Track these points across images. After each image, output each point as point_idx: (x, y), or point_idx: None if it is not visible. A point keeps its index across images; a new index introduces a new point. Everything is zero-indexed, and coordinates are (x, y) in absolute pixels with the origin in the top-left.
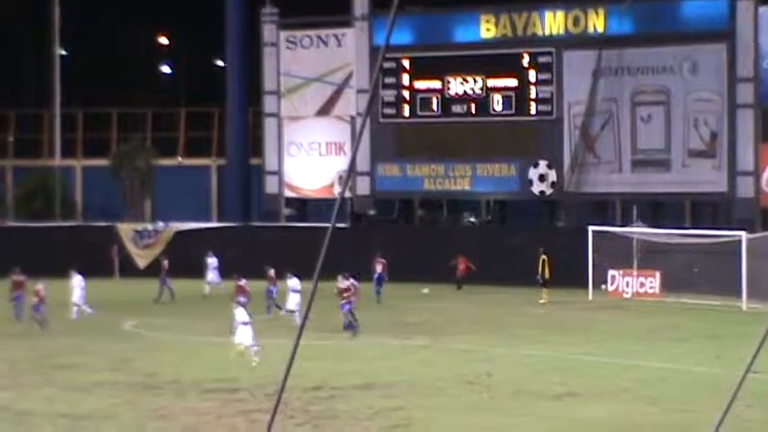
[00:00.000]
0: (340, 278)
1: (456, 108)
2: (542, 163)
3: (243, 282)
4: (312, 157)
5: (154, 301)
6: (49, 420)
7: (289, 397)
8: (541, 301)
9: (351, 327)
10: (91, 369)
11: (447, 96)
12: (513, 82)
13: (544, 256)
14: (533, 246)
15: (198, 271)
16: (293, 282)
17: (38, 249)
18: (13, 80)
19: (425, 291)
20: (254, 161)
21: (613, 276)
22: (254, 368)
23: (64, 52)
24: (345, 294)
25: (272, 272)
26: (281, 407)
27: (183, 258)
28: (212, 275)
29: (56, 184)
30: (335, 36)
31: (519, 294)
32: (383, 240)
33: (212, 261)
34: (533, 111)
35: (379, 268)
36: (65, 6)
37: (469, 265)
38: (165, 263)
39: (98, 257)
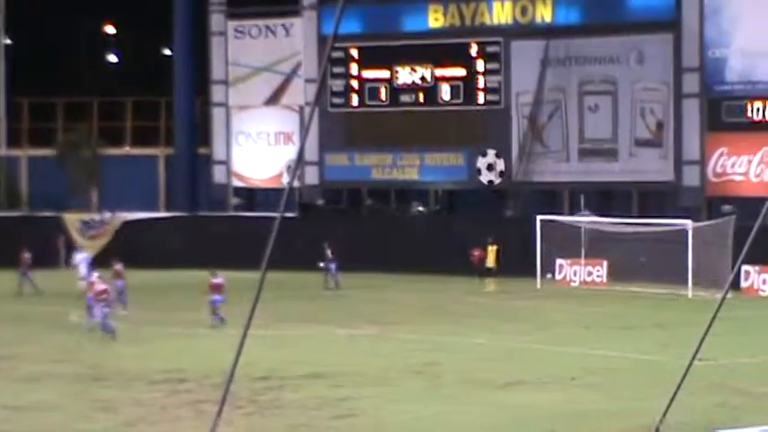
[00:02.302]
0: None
1: (404, 97)
2: (490, 152)
3: (219, 279)
4: (260, 146)
5: (15, 296)
6: None
7: (236, 387)
8: (487, 290)
9: (218, 318)
10: (35, 360)
11: (395, 86)
12: (461, 71)
13: (493, 246)
14: (481, 235)
15: (144, 260)
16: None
17: None
18: None
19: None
20: (201, 151)
21: (561, 265)
22: (202, 358)
23: (9, 41)
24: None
25: (329, 250)
26: (229, 396)
27: (130, 248)
28: (83, 269)
29: (1, 174)
30: (284, 25)
31: (467, 283)
32: (331, 230)
33: (82, 256)
34: (481, 100)
35: (330, 254)
36: None
37: (481, 254)
38: (27, 256)
39: (44, 247)
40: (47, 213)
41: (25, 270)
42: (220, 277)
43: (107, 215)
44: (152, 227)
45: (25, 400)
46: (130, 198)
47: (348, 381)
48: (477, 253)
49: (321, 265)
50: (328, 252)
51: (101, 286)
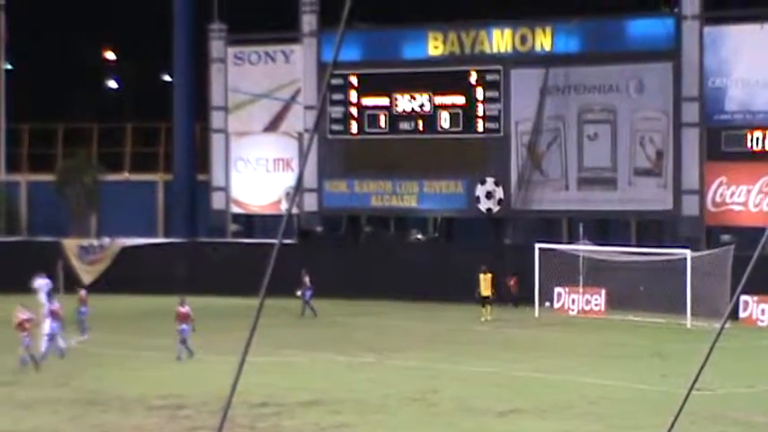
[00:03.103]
0: (179, 305)
1: (403, 125)
2: (489, 180)
3: (186, 308)
4: (259, 173)
5: None
6: None
7: (235, 413)
8: (482, 319)
9: (186, 349)
10: (34, 386)
11: (394, 113)
12: (460, 99)
13: (487, 274)
14: (480, 263)
15: (144, 286)
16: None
17: None
18: None
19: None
20: (201, 177)
21: (559, 294)
22: (200, 385)
23: (9, 66)
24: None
25: (306, 278)
26: (227, 423)
27: (128, 274)
28: (42, 296)
29: (0, 199)
30: (283, 52)
31: (465, 312)
32: (330, 257)
33: (42, 283)
34: (480, 128)
35: (308, 282)
36: (11, 20)
37: (515, 282)
38: None
39: (43, 273)
40: (46, 239)
41: None
42: (187, 306)
43: (106, 241)
44: (151, 253)
45: (25, 426)
46: (129, 224)
47: (346, 408)
48: (512, 282)
49: (298, 293)
50: (306, 279)
51: (24, 315)
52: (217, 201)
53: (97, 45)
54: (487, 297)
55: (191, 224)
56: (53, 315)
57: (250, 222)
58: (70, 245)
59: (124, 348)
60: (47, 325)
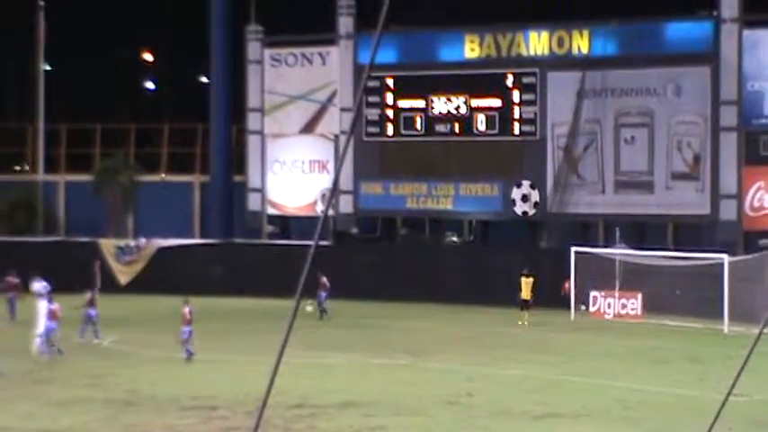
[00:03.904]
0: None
1: (439, 127)
2: (525, 183)
3: (187, 309)
4: (295, 174)
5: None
6: None
7: (269, 414)
8: (520, 323)
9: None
10: (69, 385)
11: (431, 115)
12: (496, 102)
13: (529, 278)
14: (515, 266)
15: (179, 287)
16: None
17: (20, 264)
18: None
19: (309, 308)
20: (237, 178)
21: (595, 297)
22: (235, 385)
23: (48, 67)
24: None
25: (324, 279)
26: (262, 424)
27: (164, 275)
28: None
29: (39, 199)
30: (320, 54)
31: (501, 314)
32: (365, 259)
33: (40, 286)
34: (517, 131)
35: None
36: (50, 21)
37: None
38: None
39: (80, 273)
40: (83, 239)
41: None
42: (189, 306)
43: (142, 241)
44: (187, 254)
45: (58, 425)
46: (166, 225)
47: (381, 410)
48: (567, 285)
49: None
50: (324, 280)
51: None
52: (253, 202)
53: (135, 46)
54: (527, 301)
55: (227, 225)
56: (52, 315)
57: (286, 224)
58: (107, 245)
59: (159, 349)
60: (41, 324)
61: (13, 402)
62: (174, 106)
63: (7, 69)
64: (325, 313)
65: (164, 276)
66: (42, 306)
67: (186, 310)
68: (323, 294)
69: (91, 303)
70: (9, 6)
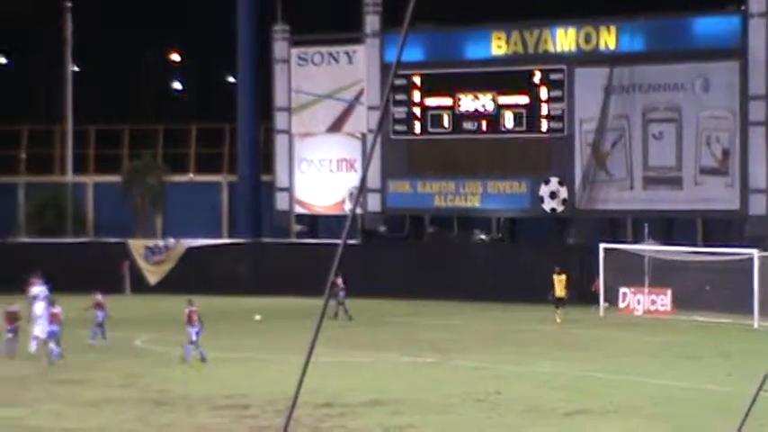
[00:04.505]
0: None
1: (467, 125)
2: (553, 180)
3: (194, 308)
4: (323, 173)
5: None
6: None
7: (299, 413)
8: (558, 320)
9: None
10: (100, 385)
11: (458, 113)
12: (524, 99)
13: (561, 275)
14: (544, 263)
15: (208, 286)
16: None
17: (49, 265)
18: (26, 96)
19: (257, 318)
20: (264, 177)
21: (624, 294)
22: (265, 384)
23: (76, 68)
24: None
25: (339, 280)
26: (292, 423)
27: (193, 275)
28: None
29: (67, 200)
30: (346, 53)
31: (529, 312)
32: (394, 257)
33: (39, 290)
34: (544, 128)
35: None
36: (77, 23)
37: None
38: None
39: (109, 273)
40: (112, 239)
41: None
42: (192, 307)
43: (171, 241)
44: (215, 253)
45: (91, 425)
46: (194, 224)
47: (410, 408)
48: (597, 282)
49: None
50: (339, 281)
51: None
52: (281, 201)
53: (162, 47)
54: (561, 299)
55: (255, 225)
56: (54, 319)
57: (314, 223)
58: (136, 245)
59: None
60: (39, 328)
61: (44, 402)
62: (201, 106)
63: (36, 71)
64: (346, 313)
65: (192, 276)
66: (39, 308)
67: (188, 311)
68: (341, 294)
69: (98, 305)
70: (37, 8)
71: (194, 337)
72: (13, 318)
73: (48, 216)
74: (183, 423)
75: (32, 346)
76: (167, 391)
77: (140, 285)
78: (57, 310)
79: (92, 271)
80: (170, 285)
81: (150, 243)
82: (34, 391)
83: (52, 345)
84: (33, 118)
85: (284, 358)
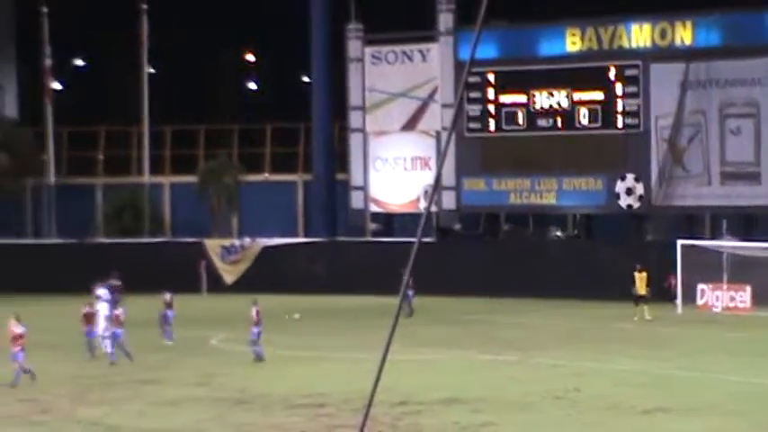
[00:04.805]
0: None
1: (542, 122)
2: (629, 176)
3: (255, 309)
4: (397, 171)
5: None
6: None
7: (375, 412)
8: (636, 318)
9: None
10: (179, 384)
11: (532, 110)
12: (599, 95)
13: (642, 272)
14: (621, 260)
15: (284, 285)
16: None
17: (126, 265)
18: (103, 98)
19: (296, 316)
20: (339, 176)
21: (702, 290)
22: (342, 383)
23: (152, 70)
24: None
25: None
26: (368, 422)
27: (269, 274)
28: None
29: (144, 201)
30: (420, 51)
31: (607, 309)
32: (469, 255)
33: (102, 293)
34: (620, 124)
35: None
36: (153, 24)
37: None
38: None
39: (186, 273)
40: (188, 239)
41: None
42: (257, 307)
43: (247, 241)
44: (291, 252)
45: (170, 424)
46: (270, 224)
47: (488, 406)
48: (672, 280)
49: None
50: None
51: (18, 330)
52: (355, 200)
53: (237, 47)
54: (643, 296)
55: (330, 224)
56: (116, 321)
57: (389, 221)
58: (212, 245)
59: (267, 347)
60: (103, 327)
61: (125, 402)
62: (276, 106)
63: (113, 73)
64: (411, 311)
65: (268, 275)
66: (102, 308)
67: (254, 310)
68: (410, 293)
69: (169, 305)
70: (113, 10)
71: (254, 337)
72: (91, 319)
73: (125, 217)
74: (260, 422)
75: (107, 347)
76: (244, 390)
77: (216, 285)
78: (119, 311)
79: (168, 271)
80: (246, 285)
81: (226, 242)
82: (117, 391)
83: (106, 345)
84: (110, 120)
85: (360, 357)
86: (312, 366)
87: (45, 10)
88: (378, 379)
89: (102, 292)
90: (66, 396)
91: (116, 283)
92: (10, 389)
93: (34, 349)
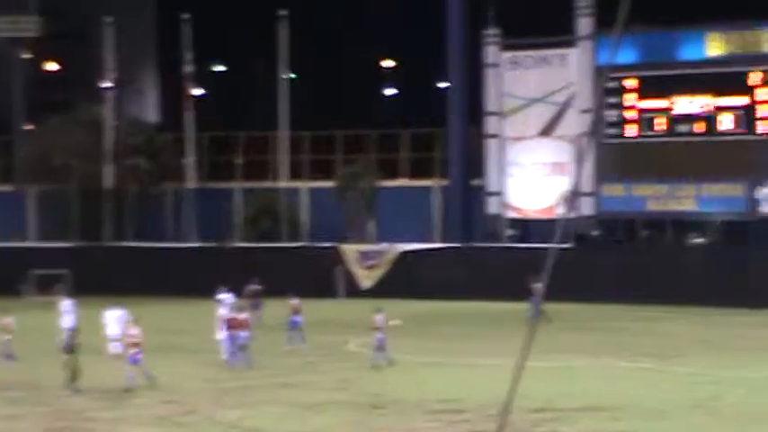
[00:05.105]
0: (377, 315)
1: (681, 127)
2: None
3: (379, 317)
4: (534, 177)
5: None
6: None
7: (512, 418)
8: None
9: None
10: (317, 388)
11: (672, 116)
12: (741, 100)
13: None
14: (760, 267)
15: (421, 290)
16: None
17: (264, 269)
18: (243, 103)
19: (396, 322)
20: (475, 182)
21: None
22: (480, 389)
23: (291, 75)
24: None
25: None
26: (506, 428)
27: (406, 279)
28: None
29: (282, 205)
30: (558, 56)
31: (746, 316)
32: (607, 261)
33: (225, 297)
34: (761, 129)
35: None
36: (293, 31)
37: None
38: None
39: (323, 277)
40: (326, 244)
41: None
42: (381, 315)
43: (384, 246)
44: (428, 257)
45: (309, 428)
46: (406, 229)
47: (626, 414)
48: None
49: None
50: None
51: (133, 331)
52: (491, 205)
53: (375, 53)
54: None
55: (467, 229)
56: (241, 325)
57: (525, 227)
58: (349, 250)
59: (403, 352)
60: (220, 332)
61: (264, 405)
62: (413, 111)
63: (251, 78)
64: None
65: (405, 280)
66: (222, 313)
67: (378, 318)
68: (536, 299)
69: (295, 311)
70: (252, 16)
71: (380, 343)
72: (233, 323)
73: (263, 221)
74: (397, 427)
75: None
76: (381, 395)
77: (354, 289)
78: (244, 316)
79: (306, 275)
80: (383, 289)
81: (364, 247)
82: (255, 394)
83: (225, 350)
84: (249, 125)
85: (497, 363)
86: (449, 372)
87: (186, 16)
88: (515, 385)
89: (224, 296)
90: (206, 398)
91: (256, 287)
92: (149, 391)
93: (173, 352)
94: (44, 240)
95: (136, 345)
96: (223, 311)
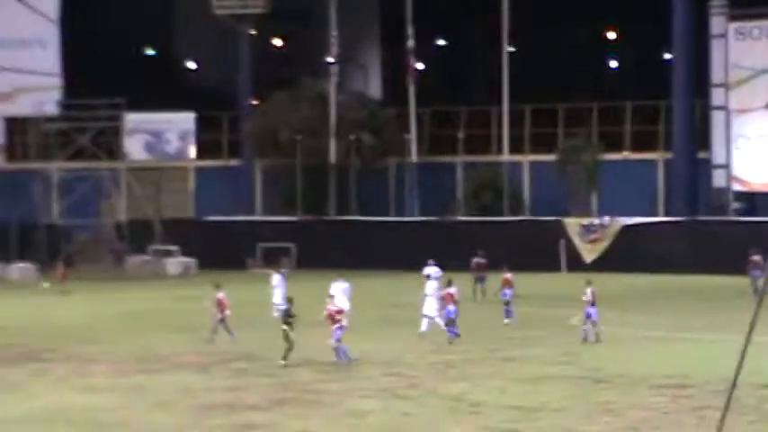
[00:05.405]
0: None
1: None
2: None
3: (591, 289)
4: (761, 150)
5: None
6: (500, 411)
7: (740, 394)
8: None
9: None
10: (540, 362)
11: None
12: None
13: None
14: None
15: (643, 264)
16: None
17: (486, 243)
18: (464, 78)
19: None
20: (701, 155)
21: None
22: (705, 364)
23: (512, 49)
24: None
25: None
26: (732, 404)
27: (628, 253)
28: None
29: (504, 179)
30: None
31: None
32: None
33: (432, 270)
34: None
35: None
36: (514, 4)
37: None
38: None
39: (545, 251)
40: (547, 218)
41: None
42: (591, 286)
43: (606, 219)
44: (651, 231)
45: (532, 402)
46: (628, 202)
47: None
48: None
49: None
50: (756, 258)
51: (334, 308)
52: (717, 178)
53: (598, 25)
54: None
55: (691, 203)
56: (449, 299)
57: (752, 200)
58: (571, 224)
59: (627, 326)
60: (428, 307)
61: (487, 379)
62: (636, 84)
63: (473, 52)
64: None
65: (628, 254)
66: (430, 287)
67: (589, 291)
68: (758, 273)
69: (506, 284)
70: None
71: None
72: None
73: (485, 195)
74: (620, 401)
75: (423, 326)
76: (604, 370)
77: (576, 263)
78: (452, 290)
79: (528, 249)
80: (606, 263)
81: (586, 221)
82: (478, 368)
83: (425, 321)
84: (471, 99)
85: (722, 338)
86: (672, 347)
87: None
88: (741, 361)
89: (431, 270)
90: (428, 372)
91: (481, 261)
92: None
93: (396, 326)
94: (269, 214)
95: (337, 319)
96: (432, 286)
